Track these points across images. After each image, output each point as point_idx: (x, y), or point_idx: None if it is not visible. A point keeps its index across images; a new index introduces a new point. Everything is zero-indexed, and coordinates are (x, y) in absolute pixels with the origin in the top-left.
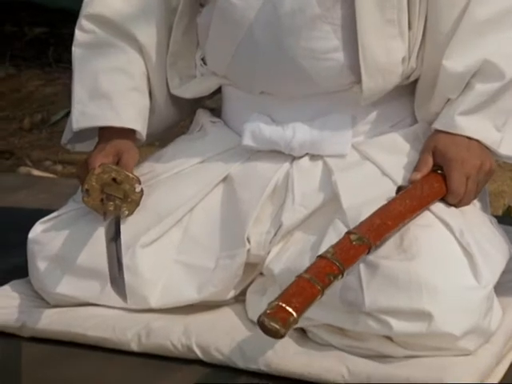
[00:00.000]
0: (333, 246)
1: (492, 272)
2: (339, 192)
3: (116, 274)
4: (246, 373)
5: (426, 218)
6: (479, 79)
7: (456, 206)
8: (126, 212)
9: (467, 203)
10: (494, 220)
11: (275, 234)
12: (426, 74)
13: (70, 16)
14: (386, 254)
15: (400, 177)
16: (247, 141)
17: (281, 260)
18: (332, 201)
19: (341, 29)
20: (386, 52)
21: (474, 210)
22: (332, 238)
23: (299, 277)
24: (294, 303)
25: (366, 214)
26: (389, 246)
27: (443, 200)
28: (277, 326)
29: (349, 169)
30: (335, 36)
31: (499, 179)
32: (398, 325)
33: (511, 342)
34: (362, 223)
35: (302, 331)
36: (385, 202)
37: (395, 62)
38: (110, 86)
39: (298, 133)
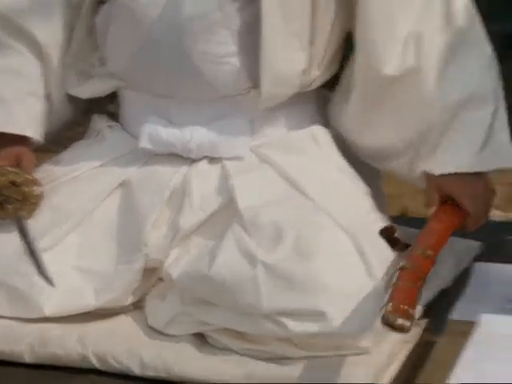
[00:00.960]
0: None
1: (386, 271)
2: (236, 195)
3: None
4: (144, 380)
5: (320, 220)
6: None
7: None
8: (25, 214)
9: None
10: (388, 219)
11: (174, 238)
12: (360, 83)
13: None
14: (283, 256)
15: (297, 177)
16: (144, 143)
17: (179, 264)
18: (230, 204)
19: (239, 35)
20: (287, 62)
21: (368, 210)
22: (230, 241)
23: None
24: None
25: (263, 215)
26: (285, 248)
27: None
28: (404, 322)
29: (247, 172)
30: (233, 41)
31: (397, 181)
32: (295, 326)
33: (404, 339)
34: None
35: (202, 336)
36: (283, 203)
37: (295, 73)
38: (6, 90)
39: (196, 135)
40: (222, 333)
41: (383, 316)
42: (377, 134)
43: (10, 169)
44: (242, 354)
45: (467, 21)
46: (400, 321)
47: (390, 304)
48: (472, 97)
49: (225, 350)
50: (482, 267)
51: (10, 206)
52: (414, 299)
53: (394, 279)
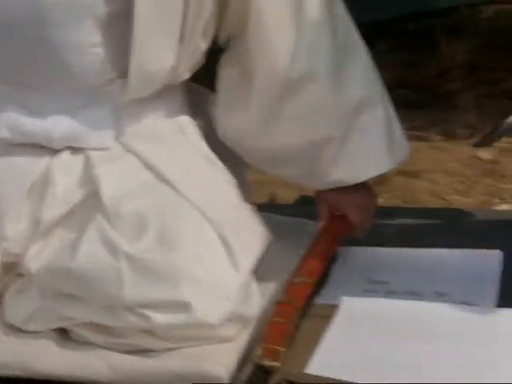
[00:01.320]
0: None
1: (249, 259)
2: (100, 185)
3: None
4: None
5: (184, 210)
6: None
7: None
8: None
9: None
10: (254, 208)
11: (35, 231)
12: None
13: None
14: (146, 248)
15: (161, 167)
16: (3, 133)
17: (40, 258)
18: (94, 195)
19: (106, 24)
20: (156, 60)
21: (232, 199)
22: (92, 232)
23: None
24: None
25: (126, 206)
26: (149, 239)
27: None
28: (272, 363)
29: (111, 162)
30: (99, 31)
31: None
32: (157, 317)
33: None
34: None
35: (63, 331)
36: (147, 194)
37: (163, 70)
38: None
39: (59, 125)
40: (84, 327)
41: (254, 360)
42: (272, 139)
43: None
44: (105, 348)
45: (347, 24)
46: (267, 363)
47: (261, 347)
48: (366, 100)
49: (88, 344)
50: (347, 251)
51: None
52: (286, 335)
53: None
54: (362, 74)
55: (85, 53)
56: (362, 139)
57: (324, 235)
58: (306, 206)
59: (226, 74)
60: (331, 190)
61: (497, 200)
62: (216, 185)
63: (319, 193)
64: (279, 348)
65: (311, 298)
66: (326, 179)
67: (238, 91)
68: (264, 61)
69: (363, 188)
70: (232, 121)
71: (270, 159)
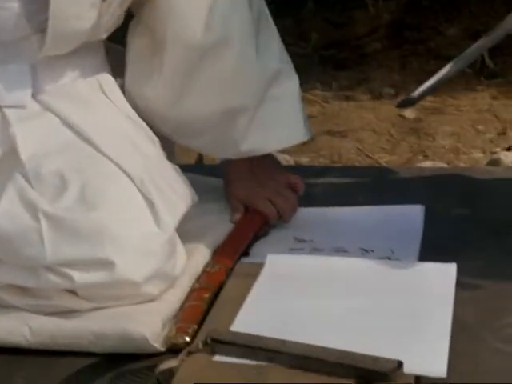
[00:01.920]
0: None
1: (173, 217)
2: (17, 144)
3: None
4: None
5: (106, 168)
6: None
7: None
8: None
9: (292, 210)
10: (179, 168)
11: None
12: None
13: None
14: (68, 206)
15: (82, 126)
16: None
17: None
18: (12, 154)
19: None
20: (76, 18)
21: (155, 158)
22: (11, 192)
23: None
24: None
25: (46, 165)
26: (70, 198)
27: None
28: (183, 338)
29: (29, 120)
30: None
31: None
32: (80, 277)
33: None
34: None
35: None
36: (67, 153)
37: (83, 28)
38: None
39: None
40: (5, 289)
41: (166, 342)
42: (184, 108)
43: None
44: (26, 311)
45: None
46: (180, 339)
47: (174, 328)
48: (280, 71)
49: (8, 307)
50: None
51: None
52: (198, 314)
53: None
54: (276, 46)
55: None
56: (276, 109)
57: (239, 224)
58: None
59: (136, 43)
60: (240, 180)
61: (421, 157)
62: (138, 143)
63: (228, 186)
64: (192, 325)
65: (238, 258)
66: (238, 149)
67: (148, 61)
68: (176, 31)
69: (269, 180)
70: (143, 90)
71: (181, 129)
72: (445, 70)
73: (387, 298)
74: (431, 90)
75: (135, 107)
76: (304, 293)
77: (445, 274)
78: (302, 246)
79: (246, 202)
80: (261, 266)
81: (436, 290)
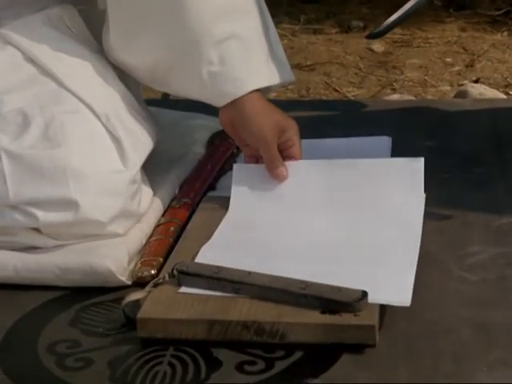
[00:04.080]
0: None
1: (139, 155)
2: None
3: None
4: None
5: (71, 105)
6: None
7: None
8: None
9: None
10: (144, 104)
11: None
12: None
13: None
14: (31, 144)
15: (44, 60)
16: None
17: None
18: None
19: None
20: None
21: (121, 94)
22: None
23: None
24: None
25: (8, 102)
26: (33, 136)
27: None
28: (148, 271)
29: None
30: None
31: None
32: (44, 216)
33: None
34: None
35: None
36: (30, 88)
37: None
38: None
39: None
40: None
41: (132, 276)
42: (141, 51)
43: None
44: None
45: None
46: (145, 272)
47: (140, 262)
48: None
49: None
50: None
51: None
52: (164, 248)
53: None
54: None
55: None
56: (239, 48)
57: (208, 158)
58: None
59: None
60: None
61: (388, 90)
62: (104, 79)
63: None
64: (158, 258)
65: (204, 192)
66: (212, 93)
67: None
68: None
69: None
70: (106, 39)
71: (153, 75)
72: (412, 2)
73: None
74: (399, 22)
75: (109, 57)
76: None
77: (413, 168)
78: None
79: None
80: (227, 199)
81: (405, 185)
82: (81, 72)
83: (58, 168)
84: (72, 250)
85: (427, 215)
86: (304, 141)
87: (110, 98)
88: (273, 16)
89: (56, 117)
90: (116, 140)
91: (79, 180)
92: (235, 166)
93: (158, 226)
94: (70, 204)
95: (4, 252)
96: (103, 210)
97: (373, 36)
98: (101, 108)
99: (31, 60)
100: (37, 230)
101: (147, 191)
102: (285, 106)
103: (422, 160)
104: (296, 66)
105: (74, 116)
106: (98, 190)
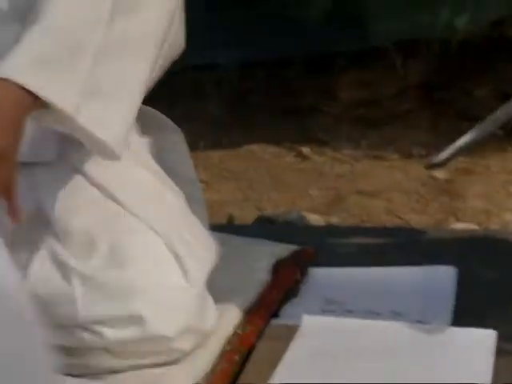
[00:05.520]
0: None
1: (201, 272)
2: (45, 203)
3: None
4: None
5: (134, 226)
6: None
7: None
8: None
9: None
10: (202, 223)
11: None
12: None
13: None
14: (98, 265)
15: (106, 183)
16: None
17: None
18: (40, 212)
19: None
20: None
21: (181, 213)
22: (41, 251)
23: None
24: None
25: (74, 223)
26: (100, 256)
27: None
28: None
29: (55, 177)
30: None
31: (224, 189)
32: (111, 333)
33: (226, 347)
34: None
35: None
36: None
37: None
38: None
39: None
40: None
41: None
42: None
43: None
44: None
45: None
46: None
47: None
48: None
49: None
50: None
51: None
52: (229, 377)
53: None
54: None
55: None
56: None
57: (273, 285)
58: (264, 226)
59: None
60: None
61: (452, 219)
62: (164, 199)
63: None
64: None
65: (269, 320)
66: None
67: None
68: None
69: None
70: None
71: None
72: (474, 132)
73: (417, 362)
74: (461, 151)
75: None
76: (338, 355)
77: (482, 342)
78: (334, 307)
79: None
80: (292, 328)
81: (472, 362)
82: (141, 192)
83: (124, 287)
84: (138, 380)
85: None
86: (365, 269)
87: (170, 216)
88: (334, 141)
89: (120, 237)
90: (178, 258)
91: (145, 297)
92: (305, 317)
93: (223, 353)
94: (137, 320)
95: (69, 379)
96: (169, 325)
97: (434, 166)
98: (162, 227)
99: (95, 184)
100: (105, 349)
101: (212, 309)
102: (347, 232)
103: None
104: (357, 192)
105: (137, 236)
106: (163, 306)
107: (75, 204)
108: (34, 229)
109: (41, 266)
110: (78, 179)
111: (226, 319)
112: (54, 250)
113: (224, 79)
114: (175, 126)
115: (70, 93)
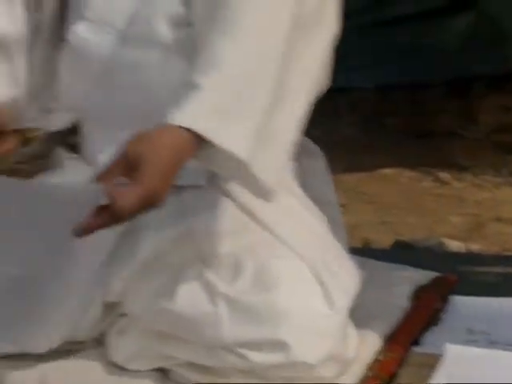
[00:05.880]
0: None
1: (344, 299)
2: (193, 225)
3: None
4: None
5: (279, 250)
6: None
7: None
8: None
9: None
10: (345, 248)
11: (132, 271)
12: None
13: None
14: (244, 288)
15: (256, 208)
16: None
17: (139, 298)
18: (188, 234)
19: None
20: None
21: (326, 239)
22: (190, 274)
23: None
24: None
25: (222, 246)
26: (245, 280)
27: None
28: None
29: (205, 201)
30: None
31: (360, 212)
32: (256, 357)
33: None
34: None
35: (163, 372)
36: (241, 234)
37: None
38: None
39: None
40: (185, 367)
41: None
42: None
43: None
44: None
45: None
46: None
47: None
48: None
49: None
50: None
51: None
52: None
53: None
54: None
55: None
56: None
57: (415, 311)
58: (401, 251)
59: None
60: None
61: None
62: (309, 224)
63: None
64: None
65: (409, 347)
66: None
67: None
68: None
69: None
70: None
71: None
72: None
73: None
74: None
75: None
76: None
77: None
78: (476, 337)
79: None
80: (435, 357)
81: None
82: (287, 219)
83: (269, 311)
84: None
85: None
86: (509, 299)
87: (314, 241)
88: (476, 167)
89: (266, 262)
90: (322, 284)
91: (289, 322)
92: (448, 347)
93: (364, 379)
94: (281, 346)
95: None
96: (312, 352)
97: None
98: (307, 253)
99: (244, 209)
100: (248, 371)
101: (354, 337)
102: (489, 260)
103: None
104: (498, 219)
105: (282, 261)
106: (307, 333)
107: (223, 228)
108: (182, 249)
109: (188, 287)
110: (227, 204)
111: (367, 345)
112: (202, 273)
113: (359, 102)
114: (318, 149)
115: (246, 141)
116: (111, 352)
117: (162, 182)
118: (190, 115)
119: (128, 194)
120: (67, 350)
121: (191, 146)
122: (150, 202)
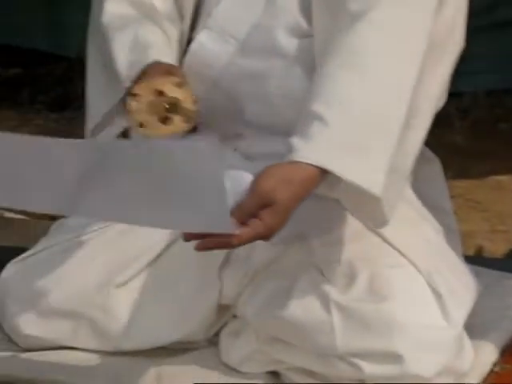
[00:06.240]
0: None
1: (461, 312)
2: (309, 232)
3: None
4: None
5: (394, 259)
6: None
7: None
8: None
9: None
10: (461, 259)
11: (246, 274)
12: None
13: (44, 57)
14: (358, 297)
15: None
16: None
17: (254, 302)
18: (302, 240)
19: (311, 67)
20: None
21: (441, 249)
22: (304, 280)
23: None
24: None
25: (336, 254)
26: (360, 288)
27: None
28: None
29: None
30: (306, 75)
31: (471, 219)
32: (369, 368)
33: None
34: None
35: (275, 375)
36: (356, 242)
37: None
38: (151, 38)
39: None
40: (296, 371)
41: None
42: None
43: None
44: None
45: None
46: None
47: None
48: None
49: None
50: None
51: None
52: None
53: None
54: None
55: (297, 99)
56: None
57: None
58: None
59: None
60: None
61: None
62: (424, 233)
63: None
64: None
65: None
66: None
67: None
68: None
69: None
70: None
71: None
72: None
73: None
74: None
75: None
76: None
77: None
78: None
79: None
80: None
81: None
82: (403, 228)
83: (383, 321)
84: None
85: None
86: None
87: (430, 253)
88: None
89: (381, 271)
90: (438, 296)
91: (404, 334)
92: None
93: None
94: (395, 357)
95: None
96: (427, 366)
97: None
98: (423, 264)
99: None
100: (361, 381)
101: (469, 350)
102: None
103: None
104: None
105: (397, 270)
106: (422, 345)
107: (338, 236)
108: (296, 255)
109: (302, 295)
110: (342, 211)
111: (482, 356)
112: (316, 280)
113: (471, 107)
114: (434, 156)
115: (378, 176)
116: (224, 353)
117: (284, 220)
118: (322, 153)
119: (249, 233)
120: (183, 348)
121: (319, 180)
122: (264, 238)
